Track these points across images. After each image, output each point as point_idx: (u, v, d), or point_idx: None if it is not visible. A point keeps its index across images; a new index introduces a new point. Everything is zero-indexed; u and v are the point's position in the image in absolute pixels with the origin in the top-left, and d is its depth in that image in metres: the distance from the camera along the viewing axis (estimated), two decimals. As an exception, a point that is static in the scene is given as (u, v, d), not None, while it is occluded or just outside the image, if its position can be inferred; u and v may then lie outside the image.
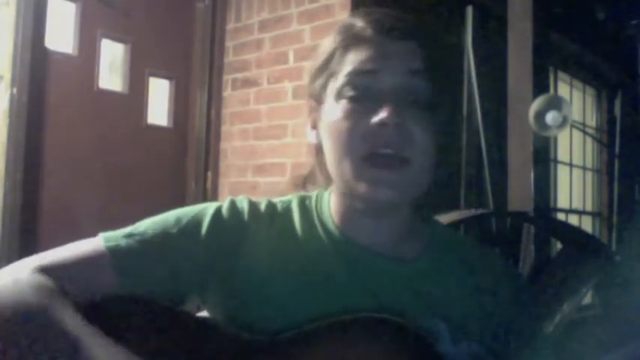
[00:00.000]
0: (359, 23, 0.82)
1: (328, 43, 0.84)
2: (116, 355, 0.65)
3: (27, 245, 2.17)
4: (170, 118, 2.86)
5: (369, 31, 0.80)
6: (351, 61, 0.80)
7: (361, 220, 0.82)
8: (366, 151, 0.76)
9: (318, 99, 0.84)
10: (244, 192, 0.89)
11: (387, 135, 0.75)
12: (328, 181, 0.87)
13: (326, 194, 0.88)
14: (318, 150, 0.86)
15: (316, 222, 0.85)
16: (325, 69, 0.83)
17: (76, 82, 2.47)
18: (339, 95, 0.79)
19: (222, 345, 0.73)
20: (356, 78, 0.78)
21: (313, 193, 0.90)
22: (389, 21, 0.81)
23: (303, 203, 0.87)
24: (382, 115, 0.75)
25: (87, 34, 2.50)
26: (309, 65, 0.87)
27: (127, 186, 2.61)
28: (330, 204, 0.86)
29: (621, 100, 4.56)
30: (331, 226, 0.84)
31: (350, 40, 0.81)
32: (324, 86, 0.83)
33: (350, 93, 0.78)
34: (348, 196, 0.81)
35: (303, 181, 0.95)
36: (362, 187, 0.77)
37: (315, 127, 0.86)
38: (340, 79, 0.80)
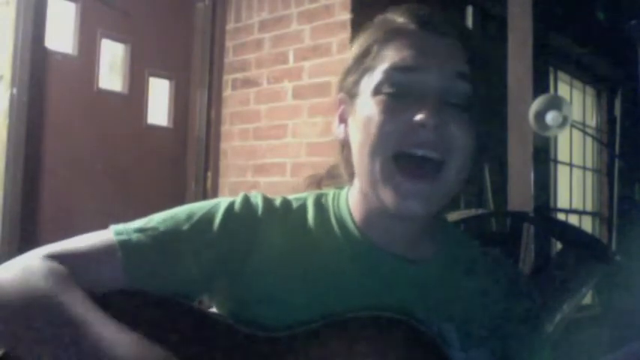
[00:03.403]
0: (399, 18, 0.79)
1: (364, 38, 0.81)
2: (123, 341, 0.65)
3: (27, 245, 2.16)
4: (170, 118, 2.86)
5: (412, 26, 0.77)
6: (392, 55, 0.76)
7: (380, 220, 0.80)
8: (398, 150, 0.73)
9: (350, 93, 0.81)
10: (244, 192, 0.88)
11: (424, 135, 0.72)
12: (351, 178, 0.84)
13: (344, 192, 0.86)
14: (344, 146, 0.83)
15: (332, 219, 0.83)
16: (361, 63, 0.79)
17: (76, 82, 2.47)
18: (376, 90, 0.76)
19: (232, 341, 0.73)
20: (396, 74, 0.75)
21: (330, 191, 0.87)
22: (431, 16, 0.78)
23: (319, 201, 0.85)
24: (422, 114, 0.71)
25: (87, 34, 2.49)
26: (345, 58, 0.84)
27: (127, 186, 2.61)
28: (348, 202, 0.84)
29: (621, 100, 4.55)
30: (350, 224, 0.82)
31: (390, 33, 0.78)
32: (358, 81, 0.79)
33: (389, 89, 0.75)
34: (371, 198, 0.78)
35: (319, 180, 0.93)
36: (389, 197, 0.74)
37: (342, 121, 0.83)
38: (378, 74, 0.76)
